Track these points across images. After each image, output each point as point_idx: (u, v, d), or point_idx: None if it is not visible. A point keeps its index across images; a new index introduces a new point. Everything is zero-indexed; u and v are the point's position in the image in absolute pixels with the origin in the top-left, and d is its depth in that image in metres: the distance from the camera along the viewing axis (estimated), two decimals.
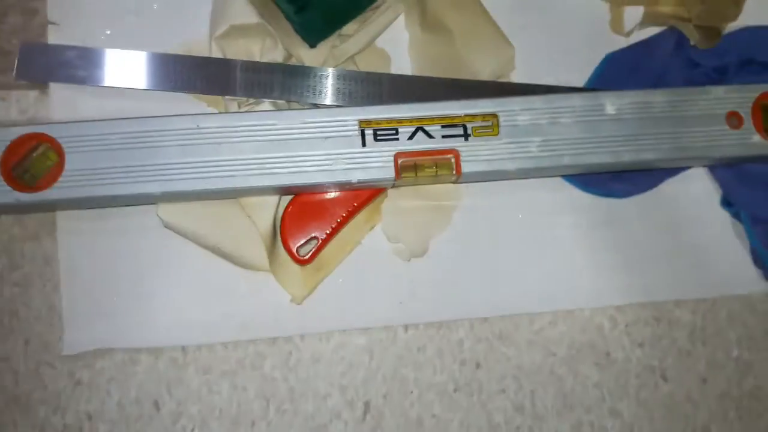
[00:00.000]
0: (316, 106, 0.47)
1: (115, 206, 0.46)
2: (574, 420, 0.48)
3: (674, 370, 0.49)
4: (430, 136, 0.44)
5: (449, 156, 0.44)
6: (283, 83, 0.47)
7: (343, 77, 0.47)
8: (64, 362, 0.46)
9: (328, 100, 0.47)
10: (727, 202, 0.50)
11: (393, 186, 0.46)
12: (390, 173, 0.43)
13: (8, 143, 0.42)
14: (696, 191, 0.50)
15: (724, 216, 0.50)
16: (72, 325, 0.45)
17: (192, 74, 0.47)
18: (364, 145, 0.44)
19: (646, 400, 0.49)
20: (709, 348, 0.50)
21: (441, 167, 0.44)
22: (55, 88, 0.47)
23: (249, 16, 0.46)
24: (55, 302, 0.46)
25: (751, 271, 0.50)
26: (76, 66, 0.46)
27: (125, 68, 0.47)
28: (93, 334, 0.45)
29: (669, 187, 0.50)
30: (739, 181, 0.49)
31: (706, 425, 0.49)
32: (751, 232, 0.48)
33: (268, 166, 0.43)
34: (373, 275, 0.48)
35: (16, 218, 0.46)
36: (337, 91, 0.47)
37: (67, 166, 0.42)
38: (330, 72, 0.47)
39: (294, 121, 0.43)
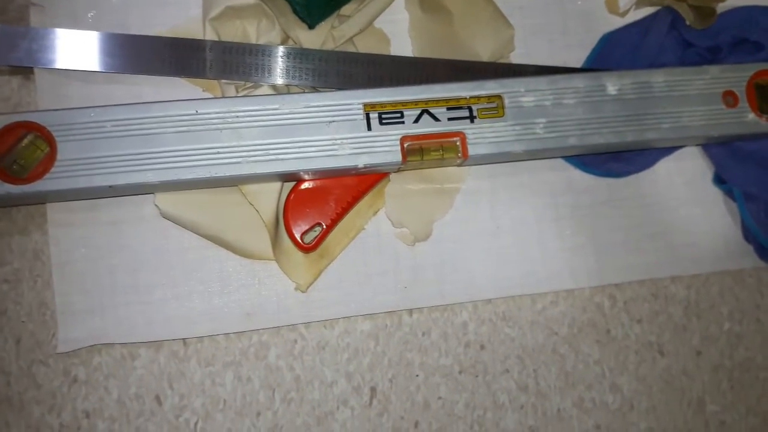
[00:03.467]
0: (316, 89, 0.46)
1: (110, 197, 0.44)
2: (576, 397, 0.49)
3: (671, 344, 0.50)
4: (436, 119, 0.43)
5: (455, 139, 0.43)
6: (269, 66, 0.45)
7: (344, 60, 0.46)
8: (59, 360, 0.44)
9: (330, 83, 0.46)
10: (719, 180, 0.51)
11: (398, 170, 0.45)
12: (396, 157, 0.43)
13: None
14: (690, 169, 0.51)
15: (716, 193, 0.51)
16: (66, 322, 0.43)
17: (160, 55, 0.45)
18: (369, 128, 0.43)
19: (645, 375, 0.50)
20: (703, 322, 0.51)
21: (447, 150, 0.43)
22: (40, 73, 0.45)
23: None
24: (46, 298, 0.44)
25: (743, 247, 0.51)
26: (55, 49, 0.44)
27: (90, 50, 0.44)
28: (88, 330, 0.44)
29: (664, 165, 0.51)
30: (732, 158, 0.50)
31: (701, 397, 0.50)
32: (744, 208, 0.50)
33: (271, 152, 0.42)
34: (377, 261, 0.47)
35: (2, 212, 0.44)
36: (338, 74, 0.46)
37: (59, 155, 0.40)
38: (331, 54, 0.46)
39: (297, 105, 0.42)
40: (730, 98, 0.47)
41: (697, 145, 0.51)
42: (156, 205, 0.43)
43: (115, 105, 0.41)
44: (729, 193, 0.50)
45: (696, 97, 0.46)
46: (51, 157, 0.40)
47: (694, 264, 0.51)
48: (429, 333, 0.48)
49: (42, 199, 0.43)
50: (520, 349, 0.49)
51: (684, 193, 0.51)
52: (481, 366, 0.48)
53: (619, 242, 0.50)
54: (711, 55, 0.50)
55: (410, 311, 0.48)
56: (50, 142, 0.40)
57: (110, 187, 0.40)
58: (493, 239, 0.48)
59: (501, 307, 0.49)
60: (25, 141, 0.40)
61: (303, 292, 0.46)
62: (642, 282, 0.50)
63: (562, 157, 0.49)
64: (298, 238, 0.44)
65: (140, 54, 0.44)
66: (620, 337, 0.50)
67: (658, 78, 0.46)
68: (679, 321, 0.51)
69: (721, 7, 0.50)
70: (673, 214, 0.51)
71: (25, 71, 0.45)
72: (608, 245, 0.50)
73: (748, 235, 0.50)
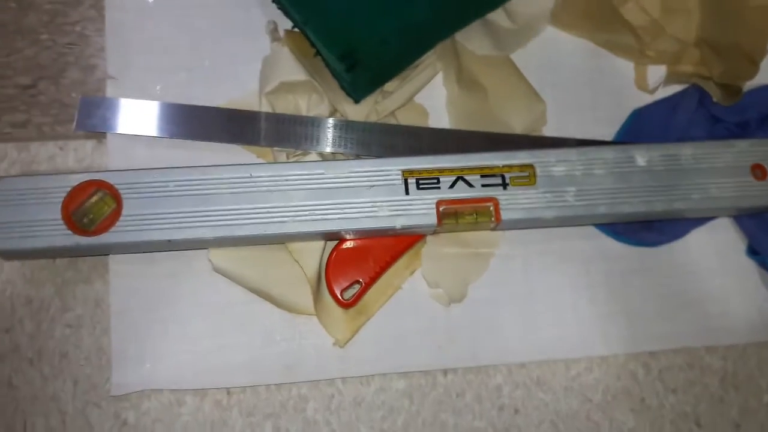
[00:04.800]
0: (359, 156, 0.49)
1: (168, 251, 0.47)
2: None
3: (708, 416, 0.50)
4: (470, 185, 0.46)
5: (488, 204, 0.46)
6: (317, 136, 0.49)
7: (386, 131, 0.49)
8: (111, 403, 0.46)
9: (372, 152, 0.49)
10: (753, 251, 0.51)
11: (434, 232, 0.47)
12: (432, 220, 0.45)
13: (69, 189, 0.44)
14: (723, 240, 0.52)
15: (750, 264, 0.52)
16: (120, 367, 0.46)
17: (219, 125, 0.49)
18: (407, 193, 0.46)
19: None
20: (742, 394, 0.50)
21: (481, 214, 0.46)
22: (111, 137, 0.50)
23: (298, 73, 0.49)
24: (104, 344, 0.47)
25: None
26: (126, 117, 0.49)
27: (157, 119, 0.49)
28: (140, 376, 0.46)
29: (697, 236, 0.52)
30: (764, 230, 0.51)
31: None
32: None
33: (316, 212, 0.45)
34: (413, 319, 0.49)
35: (70, 262, 0.48)
36: (380, 144, 0.49)
37: (124, 211, 0.44)
38: (374, 126, 0.50)
39: (341, 171, 0.46)
40: (758, 171, 0.48)
41: (729, 216, 0.52)
42: (209, 260, 0.47)
43: (176, 167, 0.45)
44: (763, 264, 0.51)
45: (724, 169, 0.48)
46: (117, 213, 0.44)
47: (730, 334, 0.51)
48: (463, 394, 0.49)
49: (106, 250, 0.47)
50: (554, 414, 0.49)
51: (717, 263, 0.52)
52: (515, 430, 0.49)
53: (653, 310, 0.50)
54: (739, 130, 0.52)
55: (445, 371, 0.49)
56: (117, 198, 0.44)
57: (169, 241, 0.44)
58: (527, 303, 0.50)
59: (535, 372, 0.50)
60: (95, 198, 0.44)
61: (341, 347, 0.48)
62: (676, 351, 0.51)
63: (595, 226, 0.51)
64: (338, 295, 0.46)
65: (201, 123, 0.49)
66: (655, 407, 0.50)
67: (686, 151, 0.48)
68: (716, 392, 0.50)
69: (747, 85, 0.52)
70: (706, 284, 0.51)
71: (99, 135, 0.50)
72: (641, 313, 0.50)
73: None
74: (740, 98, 0.51)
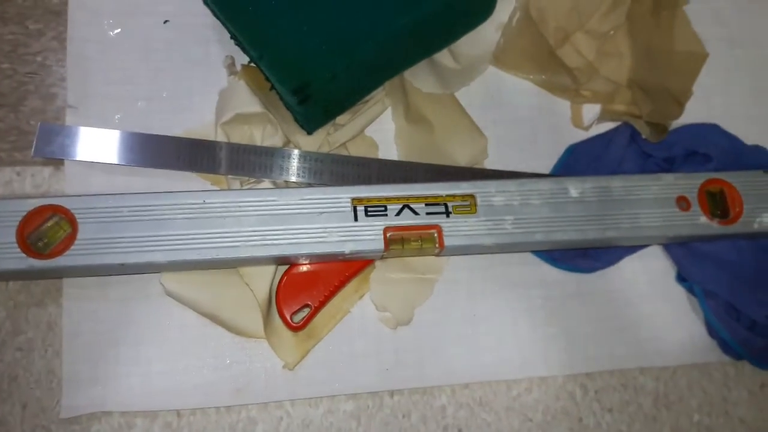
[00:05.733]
0: (311, 185, 0.52)
1: (122, 274, 0.48)
2: None
3: None
4: (416, 213, 0.49)
5: (433, 231, 0.48)
6: (272, 165, 0.51)
7: (337, 161, 0.52)
8: (60, 426, 0.47)
9: (324, 181, 0.51)
10: (681, 278, 0.55)
11: (381, 257, 0.50)
12: (379, 245, 0.47)
13: (25, 213, 0.45)
14: (653, 267, 0.56)
15: (680, 290, 0.55)
16: (71, 389, 0.47)
17: (176, 153, 0.51)
18: (356, 219, 0.48)
19: None
20: (673, 413, 0.53)
21: (425, 241, 0.48)
22: (69, 164, 0.51)
23: (253, 105, 0.51)
24: (55, 367, 0.48)
25: (707, 342, 0.54)
26: (85, 144, 0.50)
27: (115, 146, 0.51)
28: (90, 398, 0.47)
29: (629, 263, 0.55)
30: (691, 258, 0.54)
31: None
32: (705, 305, 0.53)
33: (268, 238, 0.47)
34: (361, 342, 0.51)
35: (23, 285, 0.49)
36: (332, 173, 0.51)
37: (79, 235, 0.45)
38: (326, 156, 0.52)
39: (293, 198, 0.48)
40: (683, 203, 0.52)
41: (658, 244, 0.55)
42: (161, 284, 0.48)
43: (132, 193, 0.46)
44: (690, 290, 0.54)
45: (652, 201, 0.52)
46: (72, 237, 0.45)
47: (661, 357, 0.54)
48: (409, 415, 0.51)
49: (60, 274, 0.48)
50: None
51: (648, 289, 0.55)
52: None
53: (589, 333, 0.53)
54: (668, 165, 0.56)
55: (391, 393, 0.51)
56: (72, 223, 0.45)
57: (122, 265, 0.45)
58: (470, 326, 0.52)
59: (478, 392, 0.52)
60: (51, 222, 0.45)
61: (290, 370, 0.49)
62: (612, 372, 0.53)
63: (533, 253, 0.54)
64: (288, 318, 0.48)
65: (158, 151, 0.51)
66: (592, 426, 0.52)
67: (616, 183, 0.51)
68: (649, 412, 0.53)
69: (673, 124, 0.56)
70: (638, 308, 0.54)
71: (57, 162, 0.51)
72: (579, 336, 0.53)
73: (712, 330, 0.54)
74: (665, 136, 0.55)
